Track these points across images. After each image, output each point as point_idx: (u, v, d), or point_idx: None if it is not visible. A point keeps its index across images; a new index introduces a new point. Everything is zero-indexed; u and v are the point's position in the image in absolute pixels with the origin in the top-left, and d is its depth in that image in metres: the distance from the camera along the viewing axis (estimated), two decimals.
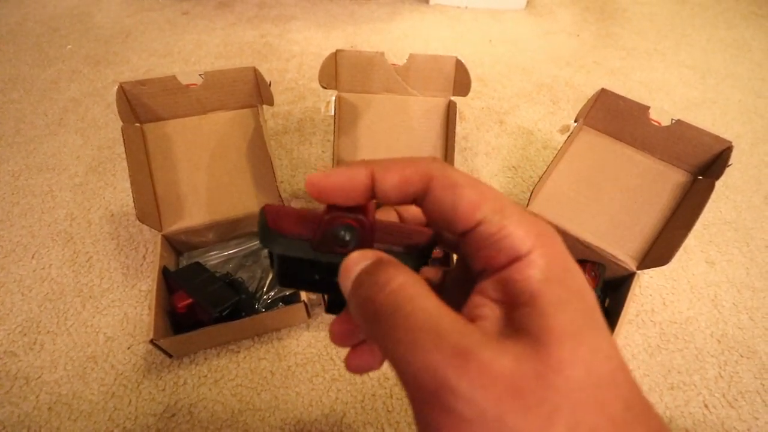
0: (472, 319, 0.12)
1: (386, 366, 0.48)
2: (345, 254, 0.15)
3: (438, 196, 0.13)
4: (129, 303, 0.58)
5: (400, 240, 0.16)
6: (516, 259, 0.12)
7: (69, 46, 1.07)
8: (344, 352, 0.17)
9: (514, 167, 0.79)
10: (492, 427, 0.10)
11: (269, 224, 0.16)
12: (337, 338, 0.17)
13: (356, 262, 0.14)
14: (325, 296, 0.17)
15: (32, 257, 0.63)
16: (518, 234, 0.12)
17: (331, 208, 0.15)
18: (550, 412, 0.10)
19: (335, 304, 0.17)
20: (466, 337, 0.11)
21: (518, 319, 0.11)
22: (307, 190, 0.15)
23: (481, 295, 0.13)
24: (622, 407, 0.11)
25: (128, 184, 0.52)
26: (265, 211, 0.16)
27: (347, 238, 0.15)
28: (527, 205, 0.60)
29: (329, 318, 0.56)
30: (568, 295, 0.11)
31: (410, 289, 0.12)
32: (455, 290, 0.16)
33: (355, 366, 0.16)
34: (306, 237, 0.16)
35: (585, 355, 0.11)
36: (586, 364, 0.11)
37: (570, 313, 0.11)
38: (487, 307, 0.12)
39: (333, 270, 0.15)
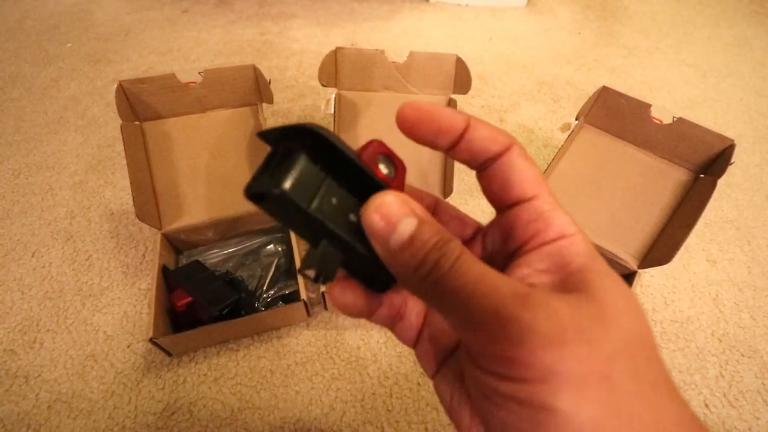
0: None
1: (386, 366, 0.48)
2: (376, 183, 0.14)
3: (511, 162, 0.14)
4: (129, 301, 0.58)
5: None
6: (564, 236, 0.14)
7: (69, 44, 1.06)
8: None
9: None
10: (562, 356, 0.11)
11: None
12: (359, 314, 0.17)
13: (400, 214, 0.14)
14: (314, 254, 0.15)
15: (32, 256, 0.62)
16: (566, 216, 0.14)
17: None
18: (611, 353, 0.11)
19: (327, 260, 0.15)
20: (523, 287, 0.12)
21: (570, 282, 0.13)
22: (397, 118, 0.15)
23: (527, 266, 0.14)
24: (661, 366, 0.12)
25: (128, 183, 0.52)
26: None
27: (388, 168, 0.15)
28: None
29: (328, 318, 0.57)
30: (609, 271, 0.13)
31: (468, 256, 0.13)
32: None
33: (348, 306, 0.17)
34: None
35: (634, 313, 0.12)
36: (637, 321, 0.12)
37: (616, 282, 0.13)
38: (534, 276, 0.14)
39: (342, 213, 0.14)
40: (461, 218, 0.18)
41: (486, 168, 0.15)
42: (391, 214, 0.14)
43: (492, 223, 0.16)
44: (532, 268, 0.14)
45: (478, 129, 0.14)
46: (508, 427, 0.11)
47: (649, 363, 0.12)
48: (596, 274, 0.13)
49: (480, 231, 0.18)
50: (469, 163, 0.16)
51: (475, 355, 0.12)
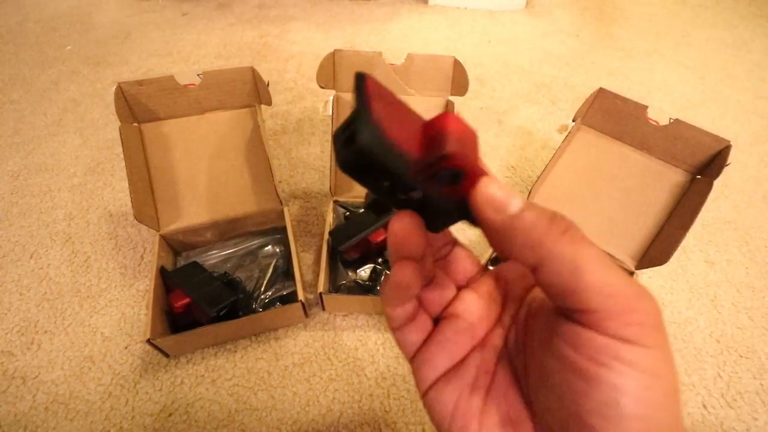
0: None
1: (383, 367, 0.48)
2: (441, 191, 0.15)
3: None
4: (127, 303, 0.58)
5: None
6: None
7: (69, 47, 1.07)
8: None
9: (512, 167, 0.79)
10: (661, 338, 0.13)
11: (372, 111, 0.13)
12: (405, 291, 0.18)
13: (508, 195, 0.15)
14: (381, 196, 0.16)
15: (30, 257, 0.63)
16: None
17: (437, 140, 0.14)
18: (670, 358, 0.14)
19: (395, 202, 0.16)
20: (636, 284, 0.14)
21: None
22: (477, 201, 0.16)
23: None
24: None
25: (127, 185, 0.52)
26: (366, 85, 0.14)
27: (456, 180, 0.15)
28: None
29: (326, 319, 0.57)
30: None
31: (587, 240, 0.14)
32: None
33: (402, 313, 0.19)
34: (407, 156, 0.14)
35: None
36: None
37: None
38: None
39: (408, 188, 0.15)
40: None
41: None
42: (499, 189, 0.15)
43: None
44: None
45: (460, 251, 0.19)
46: (612, 388, 0.13)
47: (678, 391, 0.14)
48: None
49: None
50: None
51: (599, 317, 0.13)
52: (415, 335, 0.19)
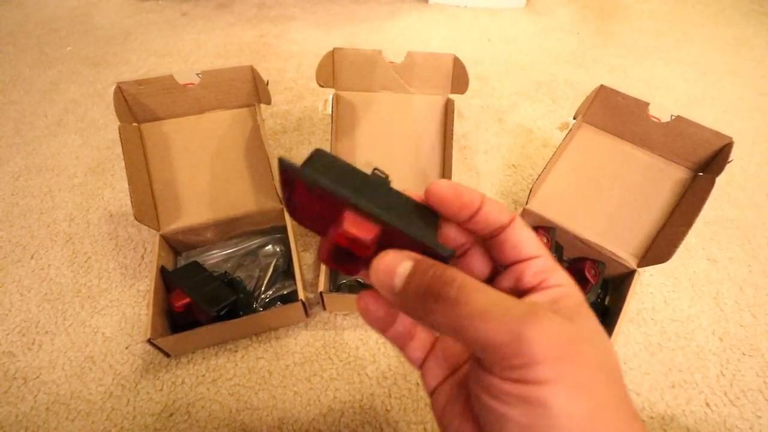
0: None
1: (384, 366, 0.48)
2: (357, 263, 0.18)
3: (519, 229, 0.18)
4: (127, 303, 0.58)
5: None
6: (562, 285, 0.18)
7: (69, 48, 1.07)
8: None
9: (513, 165, 0.79)
10: (561, 366, 0.14)
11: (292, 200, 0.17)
12: (377, 323, 0.20)
13: (395, 263, 0.17)
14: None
15: (31, 257, 0.63)
16: (564, 272, 0.18)
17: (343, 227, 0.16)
18: (595, 368, 0.14)
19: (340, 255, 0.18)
20: (530, 306, 0.15)
21: (560, 313, 0.16)
22: (426, 195, 0.18)
23: (530, 299, 0.18)
24: (624, 386, 0.16)
25: (127, 185, 0.52)
26: (284, 177, 0.17)
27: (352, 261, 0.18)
28: (526, 203, 0.59)
29: (327, 318, 0.56)
30: (588, 311, 0.17)
31: (473, 282, 0.16)
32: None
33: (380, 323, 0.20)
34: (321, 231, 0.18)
35: (605, 341, 0.16)
36: (606, 346, 0.16)
37: (592, 319, 0.17)
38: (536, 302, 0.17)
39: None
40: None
41: (497, 235, 0.19)
42: (388, 263, 0.17)
43: (505, 273, 0.20)
44: (532, 302, 0.17)
45: (491, 205, 0.18)
46: (509, 421, 0.14)
47: (620, 387, 0.15)
48: (579, 309, 0.17)
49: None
50: (482, 231, 0.19)
51: (488, 364, 0.15)
52: (417, 352, 0.21)
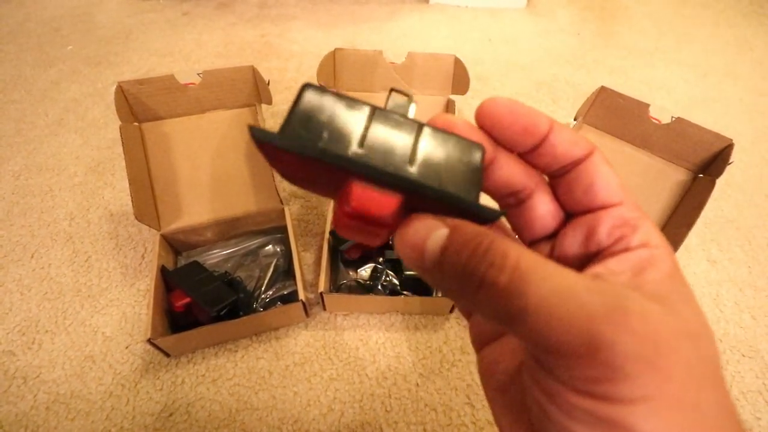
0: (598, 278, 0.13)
1: (384, 367, 0.48)
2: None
3: (596, 167, 0.14)
4: (127, 302, 0.58)
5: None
6: (648, 245, 0.13)
7: (70, 47, 1.07)
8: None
9: None
10: (655, 379, 0.10)
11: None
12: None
13: (425, 233, 0.12)
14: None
15: (31, 257, 0.63)
16: (653, 227, 0.14)
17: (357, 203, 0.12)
18: (700, 378, 0.11)
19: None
20: (614, 297, 0.11)
21: (646, 291, 0.12)
22: (477, 115, 0.14)
23: (604, 269, 0.13)
24: (728, 394, 0.12)
25: (127, 184, 0.52)
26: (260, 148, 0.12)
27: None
28: None
29: (327, 319, 0.56)
30: (687, 289, 0.13)
31: (533, 259, 0.11)
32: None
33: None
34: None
35: (710, 337, 0.12)
36: (713, 345, 0.12)
37: (693, 301, 0.12)
38: (610, 279, 0.13)
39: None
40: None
41: (567, 172, 0.15)
42: (415, 235, 0.13)
43: (571, 225, 0.15)
44: (608, 271, 0.13)
45: (562, 132, 0.14)
46: None
47: (723, 392, 0.12)
48: (671, 283, 0.12)
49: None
50: (548, 167, 0.15)
51: (554, 370, 0.11)
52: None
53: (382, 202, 0.12)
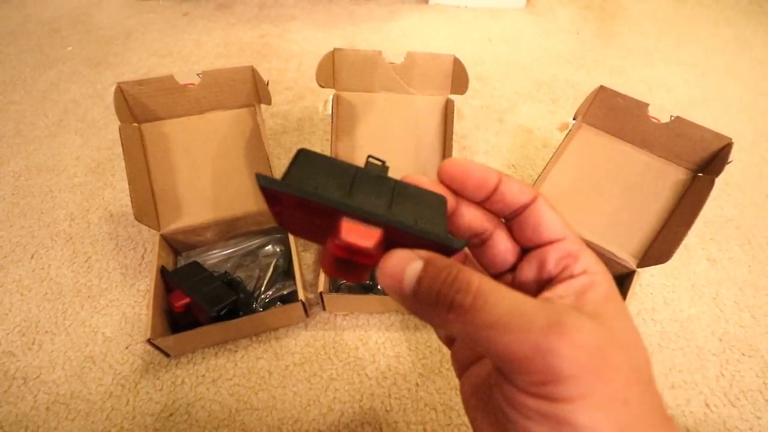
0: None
1: (384, 367, 0.48)
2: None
3: (541, 209, 0.17)
4: (127, 303, 0.58)
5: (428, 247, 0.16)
6: (587, 272, 0.16)
7: (69, 48, 1.07)
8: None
9: (513, 165, 0.79)
10: (589, 380, 0.12)
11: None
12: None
13: (403, 265, 0.15)
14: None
15: (31, 257, 0.63)
16: (592, 256, 0.16)
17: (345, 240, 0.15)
18: (627, 379, 0.13)
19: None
20: (555, 313, 0.13)
21: (585, 309, 0.15)
22: (439, 174, 0.17)
23: (553, 295, 0.16)
24: (659, 394, 0.15)
25: (127, 185, 0.52)
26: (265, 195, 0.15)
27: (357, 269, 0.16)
28: None
29: (327, 319, 0.56)
30: (621, 306, 0.15)
31: (492, 285, 0.14)
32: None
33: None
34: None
35: (640, 345, 0.15)
36: (642, 352, 0.15)
37: (625, 316, 0.15)
38: (557, 302, 0.16)
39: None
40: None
41: (518, 215, 0.17)
42: (395, 266, 0.15)
43: (526, 259, 0.18)
44: (556, 295, 0.16)
45: (510, 183, 0.17)
46: None
47: (652, 391, 0.14)
48: (606, 302, 0.15)
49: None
50: (502, 212, 0.18)
51: (510, 377, 0.13)
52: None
53: (367, 234, 0.15)
